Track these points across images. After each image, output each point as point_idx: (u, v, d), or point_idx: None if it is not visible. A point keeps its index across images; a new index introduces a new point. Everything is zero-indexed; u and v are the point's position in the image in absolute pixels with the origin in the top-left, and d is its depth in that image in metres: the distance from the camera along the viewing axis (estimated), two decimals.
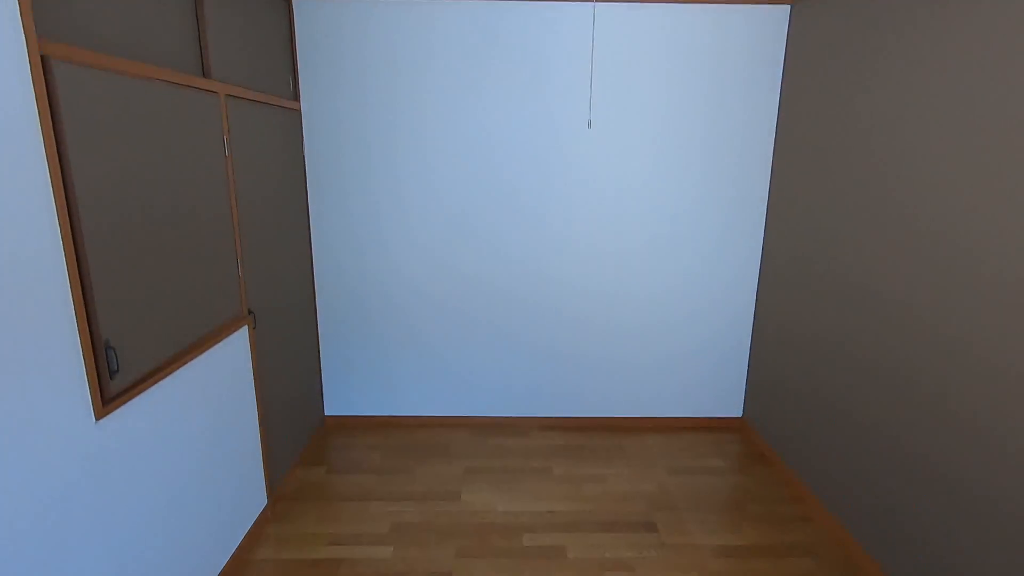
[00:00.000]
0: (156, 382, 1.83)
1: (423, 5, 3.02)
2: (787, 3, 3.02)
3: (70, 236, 1.46)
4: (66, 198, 1.46)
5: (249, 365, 2.51)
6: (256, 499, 2.60)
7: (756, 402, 3.45)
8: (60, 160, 1.43)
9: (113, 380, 1.61)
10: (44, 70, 1.38)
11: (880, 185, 2.29)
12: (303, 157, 3.19)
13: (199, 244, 2.07)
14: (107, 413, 1.61)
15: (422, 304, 3.44)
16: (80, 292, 1.50)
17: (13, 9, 1.29)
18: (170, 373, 1.91)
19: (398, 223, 3.31)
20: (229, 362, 2.33)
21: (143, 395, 1.78)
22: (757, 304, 3.44)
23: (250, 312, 2.50)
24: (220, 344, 2.25)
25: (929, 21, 2.04)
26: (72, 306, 1.47)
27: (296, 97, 3.10)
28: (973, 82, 1.85)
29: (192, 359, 2.04)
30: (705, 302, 3.46)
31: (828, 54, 2.67)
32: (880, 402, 2.29)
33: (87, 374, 1.53)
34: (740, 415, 3.64)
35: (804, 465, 2.88)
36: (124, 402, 1.68)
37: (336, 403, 3.59)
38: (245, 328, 2.46)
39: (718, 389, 3.60)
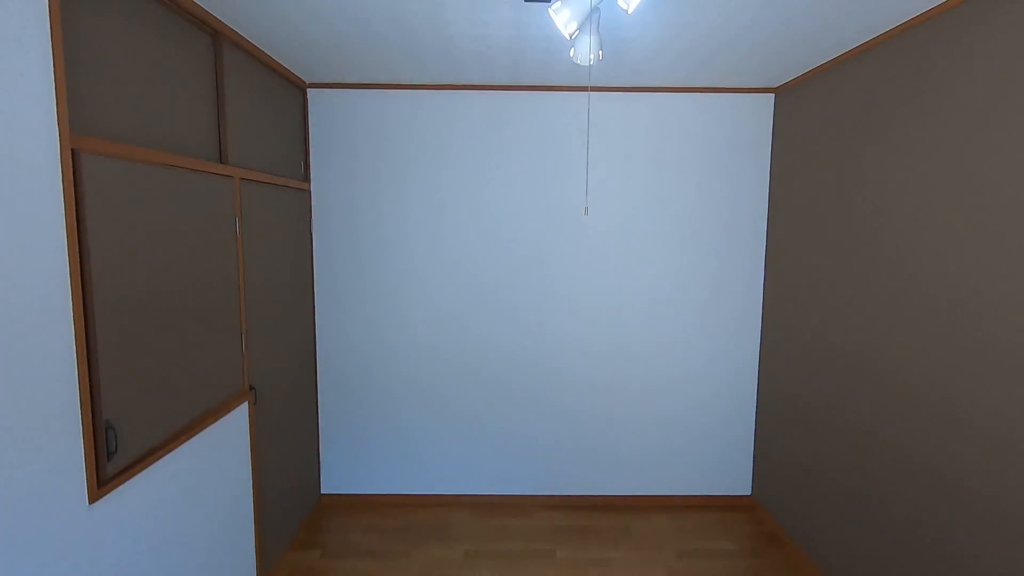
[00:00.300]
0: (153, 462, 1.81)
1: (428, 94, 3.21)
2: (771, 92, 3.22)
3: (82, 319, 1.49)
4: (82, 282, 1.50)
5: (247, 442, 2.47)
6: None
7: (764, 479, 3.35)
8: (80, 247, 1.49)
9: (110, 462, 1.60)
10: (73, 162, 1.47)
11: (869, 258, 2.35)
12: (311, 235, 3.29)
13: (206, 321, 2.10)
14: (101, 496, 1.58)
15: (422, 381, 3.43)
16: (86, 373, 1.51)
17: (50, 108, 1.39)
18: (168, 452, 1.89)
19: (398, 301, 3.36)
20: (228, 439, 2.30)
21: (138, 477, 1.75)
22: (760, 379, 3.42)
23: (251, 388, 2.50)
24: (220, 421, 2.23)
25: (895, 104, 2.17)
26: (77, 387, 1.49)
27: (306, 178, 3.24)
28: (948, 157, 1.95)
29: (191, 437, 2.02)
30: (709, 378, 3.44)
31: (810, 137, 2.82)
32: (893, 480, 2.24)
33: (85, 456, 1.51)
34: (749, 493, 3.53)
35: (817, 547, 2.76)
36: (119, 484, 1.65)
37: (333, 481, 3.50)
38: (246, 404, 2.45)
39: (725, 466, 3.51)
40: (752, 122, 3.25)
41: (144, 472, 1.78)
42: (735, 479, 3.53)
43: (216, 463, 2.22)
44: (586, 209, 1.80)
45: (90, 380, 1.53)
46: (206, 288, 2.10)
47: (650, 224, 3.32)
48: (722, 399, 3.46)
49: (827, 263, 2.68)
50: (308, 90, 3.20)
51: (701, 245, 3.34)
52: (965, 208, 1.89)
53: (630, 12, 1.44)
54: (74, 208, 1.47)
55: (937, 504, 2.00)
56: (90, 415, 1.52)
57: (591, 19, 1.65)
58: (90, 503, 1.54)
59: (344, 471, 3.49)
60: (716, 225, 3.33)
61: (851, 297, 2.49)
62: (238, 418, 2.39)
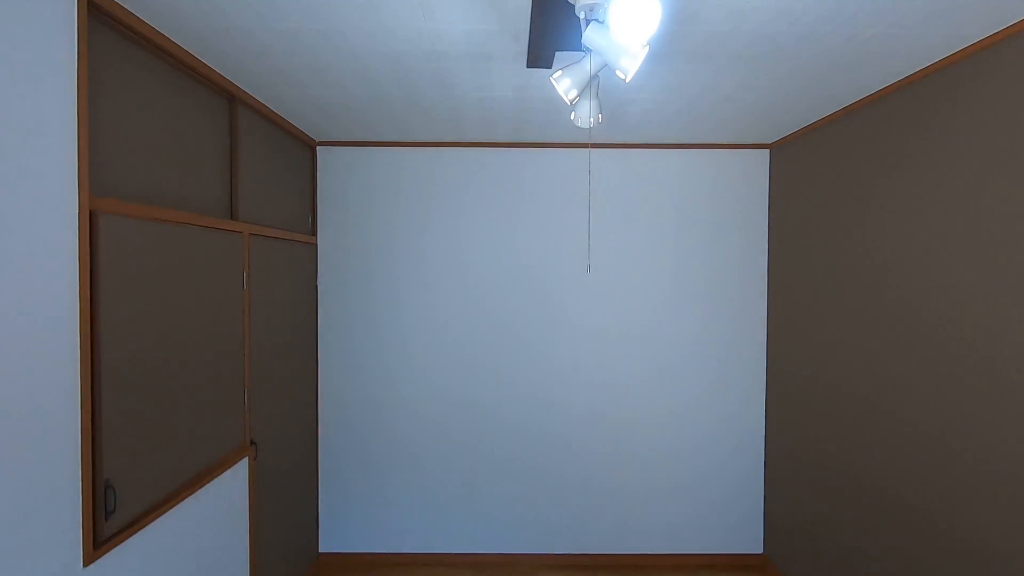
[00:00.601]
0: (151, 521, 1.77)
1: (431, 151, 3.32)
2: (766, 147, 3.31)
3: (88, 378, 1.50)
4: (91, 341, 1.52)
5: (246, 498, 2.42)
6: None
7: (777, 537, 3.25)
8: (92, 308, 1.52)
9: (108, 521, 1.57)
10: (91, 223, 1.51)
11: (874, 310, 2.36)
12: (316, 289, 3.33)
13: (209, 376, 2.10)
14: (96, 558, 1.54)
15: (424, 437, 3.38)
16: (89, 431, 1.51)
17: (72, 173, 1.45)
18: (166, 511, 1.85)
19: (403, 356, 3.36)
20: (227, 496, 2.26)
21: (135, 537, 1.72)
22: (767, 433, 3.37)
23: (252, 442, 2.47)
24: (220, 476, 2.20)
25: (889, 159, 2.23)
26: (79, 446, 1.48)
27: (313, 232, 3.30)
28: (947, 209, 1.99)
29: (191, 494, 1.99)
30: (714, 432, 3.39)
31: (806, 191, 2.88)
32: (912, 535, 2.17)
33: (83, 516, 1.49)
34: (761, 551, 3.41)
35: None
36: (115, 545, 1.62)
37: (332, 539, 3.40)
38: (246, 459, 2.41)
39: (736, 523, 3.41)
40: (749, 177, 3.33)
41: (142, 532, 1.74)
42: (746, 536, 3.42)
43: (214, 520, 2.17)
44: (589, 267, 1.82)
45: (92, 438, 1.53)
46: (211, 342, 2.12)
47: (651, 278, 3.35)
48: (731, 454, 3.40)
49: (830, 316, 2.69)
50: (317, 148, 3.31)
51: (701, 301, 3.36)
52: (970, 255, 1.91)
53: (627, 81, 1.52)
54: (88, 269, 1.50)
55: (959, 563, 1.94)
56: (90, 474, 1.51)
57: (591, 86, 1.74)
58: (84, 566, 1.50)
59: (343, 529, 3.40)
60: (717, 280, 3.36)
61: (857, 349, 2.49)
62: (239, 473, 2.35)
